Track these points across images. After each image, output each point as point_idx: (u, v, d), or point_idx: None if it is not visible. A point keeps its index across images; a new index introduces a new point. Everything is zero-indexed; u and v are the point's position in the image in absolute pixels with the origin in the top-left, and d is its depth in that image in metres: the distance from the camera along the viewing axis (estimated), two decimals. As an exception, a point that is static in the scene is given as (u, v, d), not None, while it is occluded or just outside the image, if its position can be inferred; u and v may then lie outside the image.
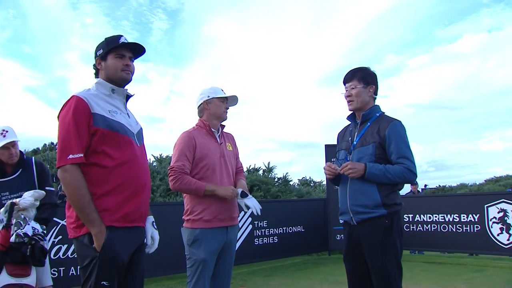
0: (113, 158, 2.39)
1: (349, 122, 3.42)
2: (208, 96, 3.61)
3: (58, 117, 2.44)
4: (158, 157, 16.19)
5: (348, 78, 3.25)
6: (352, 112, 3.31)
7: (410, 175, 3.03)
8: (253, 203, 3.47)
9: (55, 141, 23.17)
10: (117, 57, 2.57)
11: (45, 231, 3.63)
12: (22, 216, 3.40)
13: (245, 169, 3.99)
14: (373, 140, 3.09)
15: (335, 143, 3.59)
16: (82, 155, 2.31)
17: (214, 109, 3.61)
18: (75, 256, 6.31)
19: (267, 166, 18.00)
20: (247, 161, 20.25)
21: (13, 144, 3.99)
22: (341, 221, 3.36)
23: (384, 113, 3.27)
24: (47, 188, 4.17)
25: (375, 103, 3.29)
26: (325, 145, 9.55)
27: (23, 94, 40.03)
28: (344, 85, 3.28)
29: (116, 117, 2.47)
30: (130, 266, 2.46)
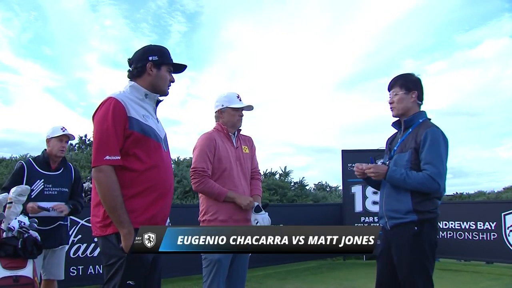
0: (143, 161, 2.45)
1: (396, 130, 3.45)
2: (222, 105, 3.71)
3: (93, 117, 2.50)
4: (176, 160, 16.32)
5: (391, 85, 3.28)
6: (397, 119, 3.33)
7: (432, 184, 2.95)
8: (263, 220, 3.56)
9: (74, 142, 23.42)
10: (168, 71, 2.71)
11: (36, 224, 3.80)
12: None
13: (261, 173, 4.05)
14: (411, 146, 3.09)
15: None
16: (119, 157, 2.37)
17: (228, 118, 3.71)
18: (94, 255, 6.50)
19: (283, 170, 18.03)
20: (263, 165, 20.21)
21: (67, 139, 4.55)
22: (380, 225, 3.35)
23: (429, 119, 3.25)
24: (80, 199, 4.66)
25: (421, 109, 3.28)
26: (342, 151, 9.55)
27: (42, 95, 40.53)
28: (389, 91, 3.32)
29: (148, 121, 2.54)
30: (150, 267, 2.53)
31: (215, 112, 3.79)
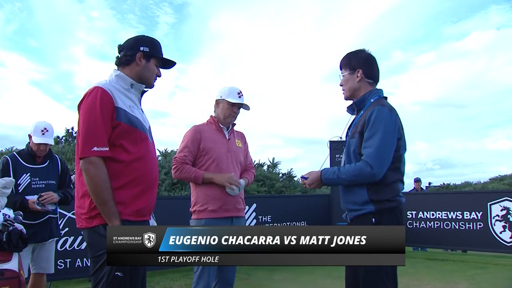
0: (129, 153, 2.42)
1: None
2: (221, 96, 3.71)
3: (79, 107, 2.44)
4: (163, 152, 16.29)
5: (339, 66, 3.03)
6: (351, 103, 3.01)
7: (365, 169, 2.63)
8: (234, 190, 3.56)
9: (61, 135, 23.18)
10: (157, 65, 2.67)
11: (21, 217, 3.73)
12: None
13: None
14: (358, 130, 2.77)
15: (340, 139, 3.43)
16: (107, 148, 2.33)
17: (221, 110, 3.71)
18: (82, 247, 6.43)
19: (271, 161, 18.10)
20: (252, 157, 20.33)
21: (46, 146, 4.38)
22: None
23: (385, 97, 2.93)
24: (69, 190, 4.57)
25: (375, 87, 2.95)
26: (329, 141, 9.57)
27: (28, 88, 40.11)
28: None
29: (134, 112, 2.51)
30: None
31: (215, 101, 3.80)
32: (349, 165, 2.73)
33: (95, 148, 2.30)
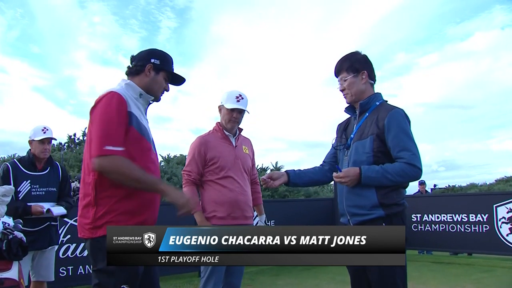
0: (135, 160, 2.38)
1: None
2: (221, 103, 3.69)
3: (93, 109, 2.40)
4: (166, 157, 16.26)
5: (337, 70, 2.98)
6: (349, 104, 3.01)
7: (412, 170, 2.63)
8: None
9: (64, 141, 23.19)
10: (165, 79, 2.67)
11: (21, 225, 3.68)
12: None
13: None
14: (372, 132, 2.74)
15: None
16: (123, 148, 2.30)
17: (223, 116, 3.71)
18: (84, 255, 6.39)
19: (274, 165, 18.04)
20: (255, 160, 20.31)
21: (49, 141, 4.41)
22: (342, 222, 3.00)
23: (386, 101, 2.92)
24: (69, 199, 4.59)
25: (375, 90, 2.97)
26: (333, 145, 9.49)
27: (31, 94, 40.17)
28: (336, 78, 3.01)
29: (143, 121, 2.51)
30: (145, 267, 2.45)
31: (218, 108, 3.78)
32: (392, 165, 2.68)
33: (110, 147, 2.26)
